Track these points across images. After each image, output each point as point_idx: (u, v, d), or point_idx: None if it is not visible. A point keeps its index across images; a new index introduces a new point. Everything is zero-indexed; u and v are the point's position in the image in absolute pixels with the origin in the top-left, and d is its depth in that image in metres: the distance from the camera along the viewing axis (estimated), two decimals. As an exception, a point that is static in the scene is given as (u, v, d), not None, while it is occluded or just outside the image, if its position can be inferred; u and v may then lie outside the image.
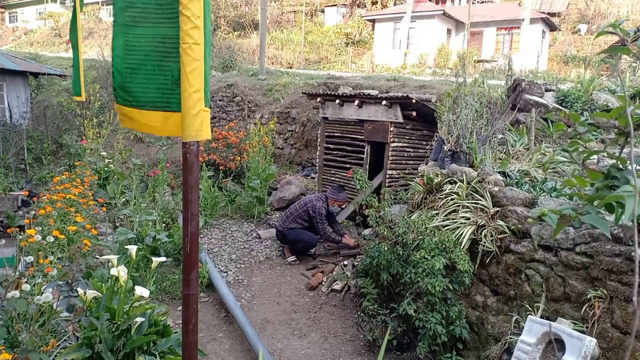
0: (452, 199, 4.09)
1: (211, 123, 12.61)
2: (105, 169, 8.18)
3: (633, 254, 2.68)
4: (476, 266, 3.73)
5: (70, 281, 2.58)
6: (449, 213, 4.07)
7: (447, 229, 3.86)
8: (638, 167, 1.06)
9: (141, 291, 2.57)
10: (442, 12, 22.17)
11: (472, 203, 3.91)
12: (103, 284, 2.98)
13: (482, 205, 3.83)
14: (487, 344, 3.50)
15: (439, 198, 4.28)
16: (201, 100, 1.73)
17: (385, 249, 3.88)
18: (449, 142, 4.73)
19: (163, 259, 3.12)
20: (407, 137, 6.65)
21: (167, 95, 1.89)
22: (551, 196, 3.66)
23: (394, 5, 26.46)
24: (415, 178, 5.02)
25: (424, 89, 10.45)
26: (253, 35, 22.13)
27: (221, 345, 4.04)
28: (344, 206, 6.24)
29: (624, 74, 7.91)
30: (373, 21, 24.22)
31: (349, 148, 7.24)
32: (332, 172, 7.55)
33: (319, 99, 7.59)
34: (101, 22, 32.10)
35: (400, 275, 3.77)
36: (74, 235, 4.13)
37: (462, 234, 3.76)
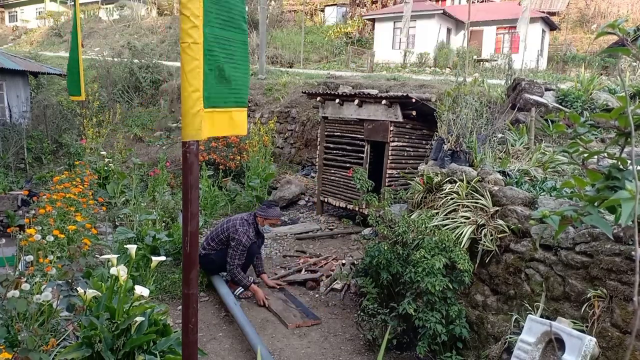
0: (452, 198, 4.09)
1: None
2: (105, 168, 8.19)
3: (633, 253, 2.68)
4: (476, 265, 3.73)
5: (70, 280, 2.58)
6: (448, 212, 4.07)
7: (447, 228, 3.85)
8: (639, 168, 1.06)
9: (141, 290, 2.57)
10: (442, 11, 22.17)
11: (472, 202, 3.91)
12: (103, 284, 2.98)
13: (482, 204, 3.83)
14: (487, 343, 3.50)
15: (439, 197, 4.28)
16: (200, 100, 1.74)
17: (385, 248, 3.88)
18: (448, 142, 4.73)
19: (163, 258, 3.12)
20: (407, 137, 6.65)
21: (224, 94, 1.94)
22: (551, 195, 3.66)
23: (394, 4, 26.44)
24: (415, 177, 5.02)
25: (424, 88, 10.45)
26: (253, 35, 22.09)
27: (221, 344, 4.04)
28: (278, 223, 5.29)
29: (624, 73, 7.91)
30: (373, 20, 24.21)
31: (348, 147, 7.24)
32: (332, 171, 7.55)
33: (318, 98, 7.59)
34: (101, 22, 32.07)
35: (400, 275, 3.77)
36: (74, 235, 4.14)
37: (462, 233, 3.76)
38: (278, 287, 5.05)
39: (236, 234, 4.74)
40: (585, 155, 1.37)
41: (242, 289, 4.88)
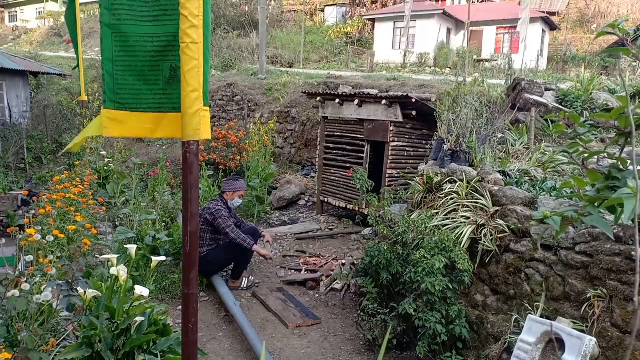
0: (452, 198, 4.09)
1: (211, 122, 12.62)
2: (105, 168, 8.19)
3: (633, 253, 2.68)
4: (476, 265, 3.73)
5: (70, 280, 2.58)
6: (448, 212, 4.06)
7: (447, 228, 3.85)
8: (639, 168, 1.06)
9: (141, 290, 2.57)
10: (442, 11, 22.16)
11: (472, 202, 3.91)
12: (103, 283, 2.98)
13: (482, 204, 3.83)
14: (487, 343, 3.50)
15: (439, 197, 4.28)
16: (199, 100, 1.72)
17: (385, 248, 3.88)
18: (448, 142, 4.73)
19: (163, 258, 3.12)
20: (407, 137, 6.65)
21: (159, 96, 1.86)
22: (551, 195, 3.66)
23: (394, 4, 26.45)
24: (415, 177, 5.02)
25: (424, 88, 10.45)
26: (253, 35, 22.09)
27: (221, 344, 4.04)
28: (242, 195, 5.22)
29: (624, 73, 7.91)
30: (373, 20, 24.22)
31: (348, 147, 7.24)
32: (332, 171, 7.55)
33: (318, 98, 7.59)
34: (101, 22, 32.00)
35: (400, 275, 3.77)
36: (74, 235, 4.13)
37: (462, 233, 3.76)
38: (271, 240, 5.30)
39: (213, 210, 4.85)
40: (585, 155, 1.37)
41: (246, 281, 5.06)
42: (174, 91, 1.84)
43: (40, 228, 3.84)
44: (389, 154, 6.43)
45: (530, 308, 3.22)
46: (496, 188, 3.84)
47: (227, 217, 4.85)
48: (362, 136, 6.85)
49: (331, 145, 7.60)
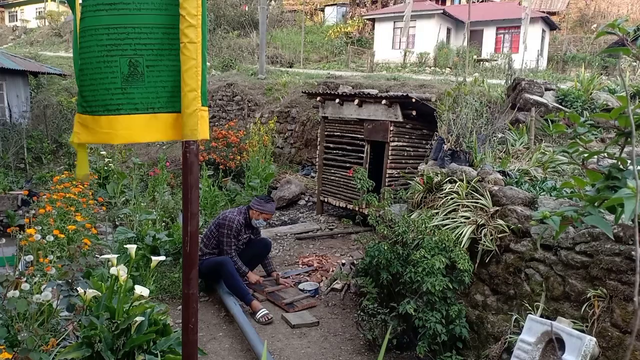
0: (451, 198, 4.09)
1: (211, 122, 12.63)
2: (105, 168, 8.19)
3: (633, 253, 2.68)
4: (476, 265, 3.73)
5: (70, 280, 2.58)
6: (448, 212, 4.06)
7: (447, 228, 3.85)
8: (639, 168, 1.06)
9: (141, 290, 2.57)
10: (442, 11, 22.16)
11: (471, 202, 3.90)
12: (103, 283, 2.98)
13: (482, 204, 3.83)
14: (487, 343, 3.50)
15: (439, 197, 4.27)
16: (197, 99, 1.69)
17: (385, 248, 3.88)
18: (448, 142, 4.73)
19: (162, 258, 3.12)
20: (407, 137, 6.65)
21: (117, 96, 1.68)
22: (551, 195, 3.66)
23: (394, 4, 26.45)
24: (415, 177, 5.02)
25: (424, 88, 10.45)
26: (253, 35, 22.10)
27: (221, 344, 4.04)
28: (269, 219, 5.32)
29: (624, 73, 7.92)
30: (373, 20, 24.22)
31: (348, 147, 7.24)
32: (332, 171, 7.55)
33: (318, 98, 7.59)
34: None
35: (400, 275, 3.77)
36: (74, 235, 4.14)
37: (461, 233, 3.76)
38: (287, 286, 5.07)
39: (226, 220, 4.78)
40: (585, 155, 1.37)
41: (264, 311, 4.44)
42: (135, 90, 1.68)
43: (40, 228, 3.85)
44: (389, 154, 6.43)
45: (530, 308, 3.22)
46: (496, 188, 3.84)
47: (234, 237, 4.76)
48: (362, 136, 6.85)
49: (331, 145, 7.60)
